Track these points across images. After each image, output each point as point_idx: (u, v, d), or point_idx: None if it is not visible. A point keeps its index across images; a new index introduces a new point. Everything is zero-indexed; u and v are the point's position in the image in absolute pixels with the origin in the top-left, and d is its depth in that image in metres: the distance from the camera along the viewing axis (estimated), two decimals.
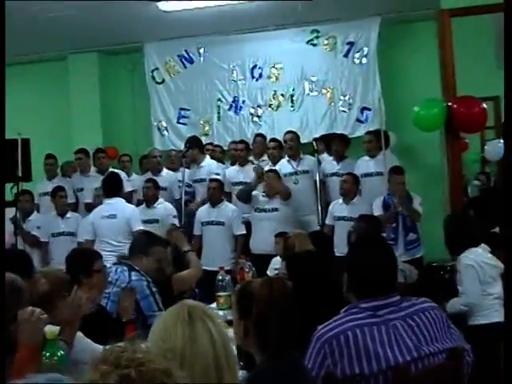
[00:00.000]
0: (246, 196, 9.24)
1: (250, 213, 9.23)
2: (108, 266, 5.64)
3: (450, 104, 7.52)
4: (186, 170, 9.74)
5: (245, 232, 9.20)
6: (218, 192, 9.20)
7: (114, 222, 8.41)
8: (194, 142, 9.92)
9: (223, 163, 10.35)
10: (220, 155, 10.55)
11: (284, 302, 3.10)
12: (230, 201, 9.48)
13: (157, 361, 1.81)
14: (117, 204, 8.57)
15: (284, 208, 9.00)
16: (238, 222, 9.22)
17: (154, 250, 5.78)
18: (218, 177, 9.53)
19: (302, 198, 9.25)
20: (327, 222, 8.92)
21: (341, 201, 8.90)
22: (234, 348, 2.96)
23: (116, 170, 9.79)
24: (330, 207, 9.01)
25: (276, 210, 8.99)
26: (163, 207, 9.30)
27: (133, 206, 8.98)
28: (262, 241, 8.68)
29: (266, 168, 9.40)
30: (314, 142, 9.35)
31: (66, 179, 10.62)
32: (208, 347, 2.42)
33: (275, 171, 9.18)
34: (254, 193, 9.25)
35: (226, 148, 10.68)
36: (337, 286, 3.89)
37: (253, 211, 9.17)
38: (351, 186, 8.82)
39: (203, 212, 9.25)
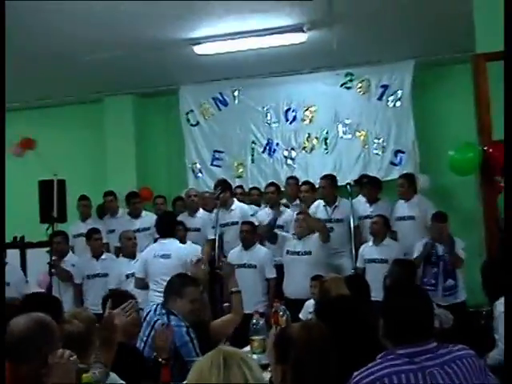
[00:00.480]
0: (268, 234, 9.23)
1: (282, 256, 9.19)
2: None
3: (485, 148, 7.48)
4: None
5: (275, 275, 9.17)
6: (250, 235, 9.19)
7: (168, 262, 8.22)
8: (225, 185, 9.94)
9: (259, 206, 10.34)
10: (257, 198, 10.54)
11: (322, 347, 3.07)
12: (262, 244, 9.46)
13: None
14: (171, 244, 8.44)
15: (317, 251, 8.94)
16: (270, 265, 9.20)
17: (187, 290, 5.78)
18: (251, 219, 9.56)
19: (336, 243, 9.22)
20: (358, 264, 8.89)
21: (371, 243, 8.86)
22: None
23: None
24: (361, 250, 8.98)
25: (309, 253, 8.94)
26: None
27: (189, 245, 8.94)
28: (295, 284, 8.63)
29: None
30: (348, 186, 9.34)
31: (99, 221, 10.68)
32: None
33: (306, 212, 9.17)
34: (284, 234, 9.23)
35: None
36: (373, 330, 3.85)
37: (285, 254, 9.13)
38: (381, 227, 8.80)
39: (235, 254, 9.19)
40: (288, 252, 9.09)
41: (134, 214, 10.24)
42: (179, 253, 8.28)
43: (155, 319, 5.61)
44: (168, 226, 8.63)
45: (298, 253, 8.98)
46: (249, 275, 8.98)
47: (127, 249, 9.33)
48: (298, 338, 3.09)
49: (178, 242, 8.58)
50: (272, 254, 9.25)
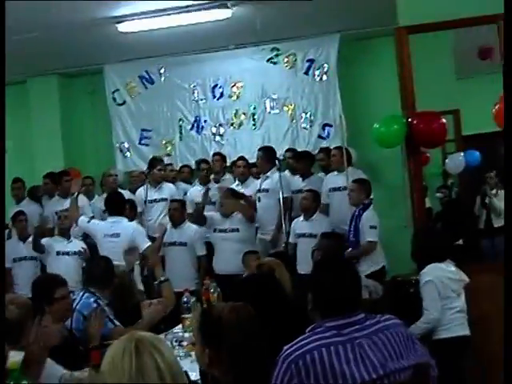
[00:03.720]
0: (197, 217, 9.23)
1: (210, 233, 9.20)
2: None
3: (409, 120, 7.57)
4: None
5: (206, 253, 9.21)
6: (179, 213, 9.15)
7: (117, 240, 8.23)
8: (155, 163, 9.92)
9: (190, 183, 10.34)
10: (188, 175, 10.56)
11: (253, 328, 3.08)
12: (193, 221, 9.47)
13: None
14: (120, 223, 8.42)
15: (244, 227, 9.00)
16: (201, 243, 9.21)
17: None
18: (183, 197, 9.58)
19: (265, 216, 9.26)
20: (290, 239, 8.92)
21: (301, 218, 8.91)
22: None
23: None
24: (292, 225, 9.02)
25: (236, 230, 8.98)
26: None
27: (135, 224, 8.82)
28: (225, 261, 8.66)
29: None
30: (277, 160, 9.36)
31: (33, 203, 10.52)
32: (155, 382, 2.37)
33: (230, 190, 9.21)
34: (209, 213, 9.24)
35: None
36: (300, 305, 3.88)
37: (212, 232, 9.14)
38: (311, 203, 8.83)
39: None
40: (215, 230, 9.10)
41: (64, 194, 10.05)
42: (128, 231, 8.28)
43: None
44: (117, 205, 8.59)
45: (225, 230, 9.01)
46: (179, 253, 8.99)
47: (58, 227, 9.20)
48: (228, 320, 3.06)
49: (126, 220, 8.55)
50: (202, 231, 9.25)
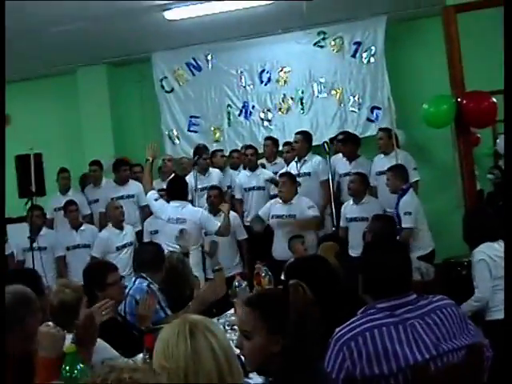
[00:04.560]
0: (257, 223, 9.23)
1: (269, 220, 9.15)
2: None
3: (459, 100, 7.50)
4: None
5: (247, 236, 9.27)
6: (218, 199, 9.06)
7: (183, 226, 8.12)
8: (200, 152, 9.91)
9: (236, 169, 10.35)
10: (237, 160, 10.54)
11: (311, 307, 3.01)
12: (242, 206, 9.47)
13: (144, 379, 1.79)
14: (185, 208, 8.27)
15: (301, 215, 8.86)
16: (240, 227, 9.27)
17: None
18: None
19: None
20: (341, 224, 8.87)
21: (351, 202, 8.87)
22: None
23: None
24: (342, 209, 8.97)
25: (293, 216, 8.88)
26: None
27: (201, 209, 8.72)
28: (281, 247, 8.53)
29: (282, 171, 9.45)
30: (326, 144, 9.31)
31: (79, 192, 10.67)
32: (211, 364, 2.40)
33: (289, 174, 9.17)
34: (268, 204, 9.24)
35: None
36: (351, 287, 3.87)
37: (271, 218, 9.08)
38: (359, 186, 8.76)
39: None
40: (273, 216, 9.06)
41: (121, 182, 10.15)
42: (195, 217, 8.18)
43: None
44: (180, 189, 8.45)
45: (282, 216, 8.98)
46: (221, 239, 8.99)
47: (115, 219, 9.28)
48: (294, 300, 2.94)
49: (190, 205, 8.48)
50: (240, 218, 9.29)
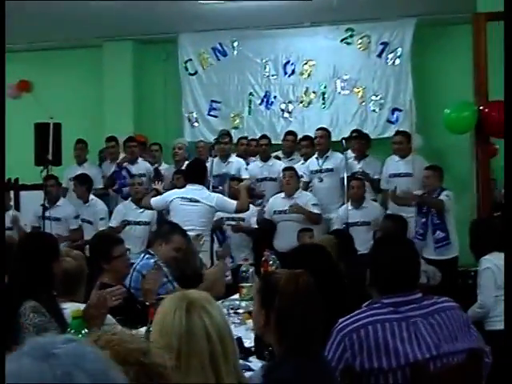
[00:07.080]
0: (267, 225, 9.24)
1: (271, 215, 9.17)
2: None
3: (481, 108, 7.50)
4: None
5: (257, 226, 9.19)
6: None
7: (194, 206, 7.92)
8: (223, 137, 9.91)
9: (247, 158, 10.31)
10: (255, 149, 10.38)
11: (308, 297, 3.08)
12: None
13: (134, 342, 1.83)
14: (201, 191, 8.07)
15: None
16: (254, 218, 9.19)
17: (174, 237, 5.88)
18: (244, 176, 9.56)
19: (327, 196, 9.26)
20: (336, 227, 8.73)
21: (350, 206, 8.74)
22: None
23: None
24: (339, 212, 8.92)
25: None
26: None
27: (217, 194, 8.46)
28: (285, 240, 8.48)
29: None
30: (344, 141, 9.31)
31: (95, 165, 10.70)
32: (203, 344, 2.41)
33: (294, 169, 9.14)
34: (271, 199, 9.26)
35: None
36: (355, 283, 3.90)
37: (273, 213, 9.12)
38: (359, 190, 8.77)
39: None
40: (275, 212, 9.07)
41: (130, 159, 10.16)
42: (211, 199, 8.01)
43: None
44: (198, 172, 8.27)
45: (284, 211, 8.96)
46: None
47: (136, 195, 9.22)
48: (284, 287, 3.07)
49: (206, 189, 8.31)
50: (254, 208, 9.24)
